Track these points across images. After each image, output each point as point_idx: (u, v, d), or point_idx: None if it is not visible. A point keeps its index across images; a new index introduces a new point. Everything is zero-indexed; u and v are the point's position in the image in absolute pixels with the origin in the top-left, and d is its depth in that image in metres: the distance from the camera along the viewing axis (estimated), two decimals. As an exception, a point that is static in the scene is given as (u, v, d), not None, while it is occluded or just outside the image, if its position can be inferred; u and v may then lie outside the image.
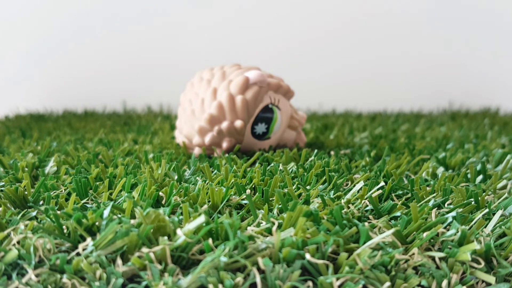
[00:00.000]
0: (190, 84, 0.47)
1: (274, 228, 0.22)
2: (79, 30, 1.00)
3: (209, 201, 0.28)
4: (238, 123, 0.42)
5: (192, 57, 1.01)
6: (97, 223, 0.23)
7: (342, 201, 0.28)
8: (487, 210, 0.27)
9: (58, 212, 0.25)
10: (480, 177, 0.35)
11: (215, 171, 0.37)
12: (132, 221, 0.23)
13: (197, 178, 0.34)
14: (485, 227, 0.24)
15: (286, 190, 0.29)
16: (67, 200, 0.29)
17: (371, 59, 1.04)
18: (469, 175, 0.36)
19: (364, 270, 0.19)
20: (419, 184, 0.32)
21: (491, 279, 0.20)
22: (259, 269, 0.20)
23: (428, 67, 1.04)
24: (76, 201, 0.28)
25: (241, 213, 0.27)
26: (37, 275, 0.19)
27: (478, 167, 0.36)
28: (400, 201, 0.29)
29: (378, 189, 0.29)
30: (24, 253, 0.20)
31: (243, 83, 0.42)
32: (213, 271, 0.19)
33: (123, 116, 0.85)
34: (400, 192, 0.31)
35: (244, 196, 0.29)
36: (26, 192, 0.30)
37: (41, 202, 0.29)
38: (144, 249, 0.20)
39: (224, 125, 0.42)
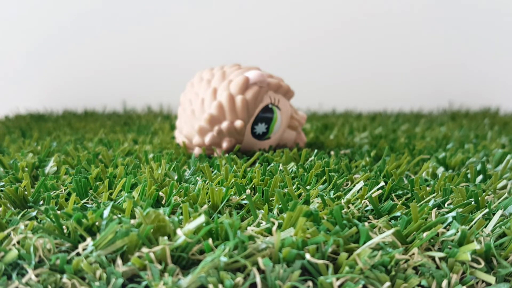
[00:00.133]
0: (190, 84, 0.47)
1: (274, 228, 0.22)
2: (79, 30, 1.00)
3: (209, 201, 0.28)
4: (238, 123, 0.42)
5: (192, 57, 1.01)
6: (97, 223, 0.23)
7: (342, 201, 0.28)
8: (487, 210, 0.27)
9: (58, 212, 0.25)
10: (480, 177, 0.35)
11: (215, 171, 0.37)
12: (132, 221, 0.23)
13: (197, 178, 0.34)
14: (485, 227, 0.24)
15: (286, 190, 0.29)
16: (67, 200, 0.29)
17: (371, 59, 1.04)
18: (469, 175, 0.36)
19: (364, 270, 0.19)
20: (419, 184, 0.32)
21: (491, 279, 0.20)
22: (259, 269, 0.20)
23: (428, 67, 1.04)
24: (76, 201, 0.28)
25: (241, 213, 0.27)
26: (37, 275, 0.19)
27: (478, 167, 0.36)
28: (400, 201, 0.29)
29: (378, 189, 0.29)
30: (24, 253, 0.20)
31: (243, 83, 0.42)
32: (213, 271, 0.19)
33: (123, 116, 0.85)
34: (400, 192, 0.31)
35: (244, 196, 0.29)
36: (26, 192, 0.30)
37: (41, 202, 0.29)
38: (144, 249, 0.20)
39: (224, 125, 0.42)
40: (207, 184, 0.32)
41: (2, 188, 0.30)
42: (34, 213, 0.26)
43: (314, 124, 0.70)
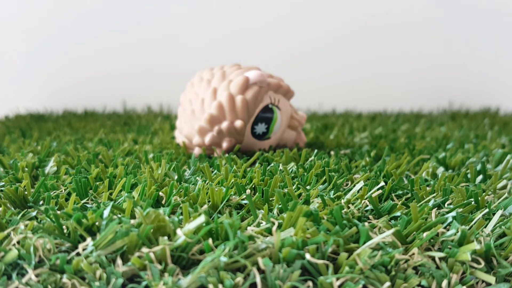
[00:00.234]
0: (190, 84, 0.47)
1: (274, 228, 0.22)
2: (79, 30, 1.00)
3: (209, 201, 0.28)
4: (238, 123, 0.42)
5: (192, 57, 1.01)
6: (97, 223, 0.23)
7: (342, 201, 0.28)
8: (487, 210, 0.27)
9: (58, 212, 0.25)
10: (480, 177, 0.35)
11: (215, 171, 0.37)
12: (132, 221, 0.23)
13: (197, 178, 0.34)
14: (485, 227, 0.24)
15: (286, 190, 0.29)
16: (67, 200, 0.29)
17: (371, 59, 1.04)
18: (469, 175, 0.36)
19: (364, 270, 0.19)
20: (419, 184, 0.32)
21: (491, 279, 0.20)
22: (259, 269, 0.20)
23: (428, 67, 1.04)
24: (76, 201, 0.28)
25: (241, 213, 0.27)
26: (37, 275, 0.19)
27: (478, 167, 0.36)
28: (400, 201, 0.29)
29: (378, 189, 0.29)
30: (24, 253, 0.20)
31: (243, 83, 0.42)
32: (213, 271, 0.19)
33: (123, 116, 0.85)
34: (400, 192, 0.31)
35: (244, 196, 0.29)
36: (26, 192, 0.30)
37: (41, 202, 0.29)
38: (144, 249, 0.20)
39: (224, 125, 0.42)
40: (207, 184, 0.32)
41: (2, 188, 0.30)
42: (34, 213, 0.26)
43: (314, 124, 0.70)
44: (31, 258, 0.20)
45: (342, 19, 1.02)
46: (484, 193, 0.29)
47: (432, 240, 0.23)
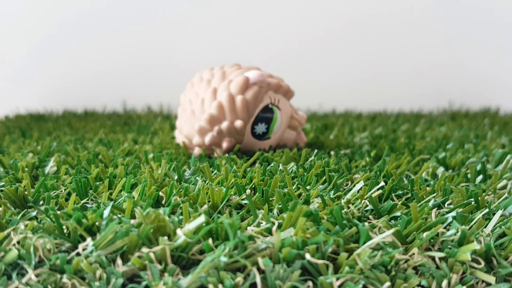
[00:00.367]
0: (190, 84, 0.47)
1: (274, 228, 0.22)
2: (79, 30, 1.00)
3: (209, 201, 0.28)
4: (238, 123, 0.42)
5: (192, 57, 1.01)
6: (97, 223, 0.23)
7: (342, 201, 0.28)
8: (487, 210, 0.27)
9: (58, 212, 0.25)
10: (480, 177, 0.35)
11: (215, 171, 0.37)
12: (132, 221, 0.23)
13: (197, 178, 0.34)
14: (485, 227, 0.24)
15: (286, 190, 0.29)
16: (67, 200, 0.29)
17: (371, 59, 1.04)
18: (469, 175, 0.36)
19: (364, 270, 0.19)
20: (419, 184, 0.32)
21: (491, 279, 0.20)
22: (259, 269, 0.20)
23: (428, 67, 1.04)
24: (76, 201, 0.28)
25: (241, 213, 0.27)
26: (37, 275, 0.19)
27: (478, 167, 0.36)
28: (400, 201, 0.29)
29: (378, 189, 0.29)
30: (24, 253, 0.20)
31: (243, 83, 0.42)
32: (213, 271, 0.19)
33: (123, 116, 0.85)
34: (400, 192, 0.31)
35: (244, 196, 0.29)
36: (26, 192, 0.30)
37: (41, 202, 0.29)
38: (144, 249, 0.20)
39: (224, 125, 0.42)
40: (207, 184, 0.32)
41: (2, 188, 0.30)
42: (34, 213, 0.26)
43: (314, 124, 0.70)
44: (31, 258, 0.20)
45: (342, 19, 1.02)
46: (484, 193, 0.29)
47: (432, 240, 0.23)
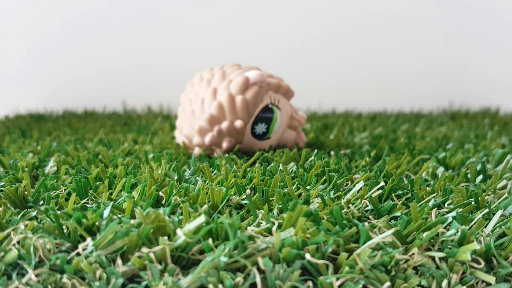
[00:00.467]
0: (190, 84, 0.47)
1: (274, 228, 0.22)
2: (79, 30, 1.00)
3: (209, 201, 0.28)
4: (238, 123, 0.42)
5: (192, 57, 1.01)
6: (97, 223, 0.23)
7: (342, 201, 0.28)
8: (487, 210, 0.27)
9: (58, 212, 0.25)
10: (480, 177, 0.35)
11: (215, 171, 0.37)
12: (132, 221, 0.23)
13: (197, 178, 0.34)
14: (485, 227, 0.24)
15: (286, 190, 0.29)
16: (67, 200, 0.29)
17: (371, 59, 1.04)
18: (469, 175, 0.36)
19: (364, 270, 0.19)
20: (419, 184, 0.32)
21: (491, 279, 0.20)
22: (259, 269, 0.20)
23: (428, 67, 1.04)
24: (76, 201, 0.28)
25: (241, 213, 0.27)
26: (37, 275, 0.19)
27: (478, 167, 0.36)
28: (400, 201, 0.29)
29: (378, 189, 0.29)
30: (24, 253, 0.20)
31: (243, 83, 0.42)
32: (213, 271, 0.19)
33: (123, 116, 0.85)
34: (400, 192, 0.31)
35: (244, 196, 0.29)
36: (26, 192, 0.30)
37: (41, 202, 0.29)
38: (144, 249, 0.20)
39: (224, 125, 0.42)
40: (207, 184, 0.32)
41: (2, 188, 0.30)
42: (34, 213, 0.26)
43: (314, 124, 0.70)
44: (31, 258, 0.20)
45: (342, 19, 1.02)
46: (484, 193, 0.29)
47: (432, 240, 0.23)
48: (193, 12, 1.00)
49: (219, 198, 0.28)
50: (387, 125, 0.71)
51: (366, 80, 1.04)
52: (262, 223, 0.25)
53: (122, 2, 0.99)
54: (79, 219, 0.22)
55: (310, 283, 0.19)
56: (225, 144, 0.43)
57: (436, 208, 0.28)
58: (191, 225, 0.21)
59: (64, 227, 0.23)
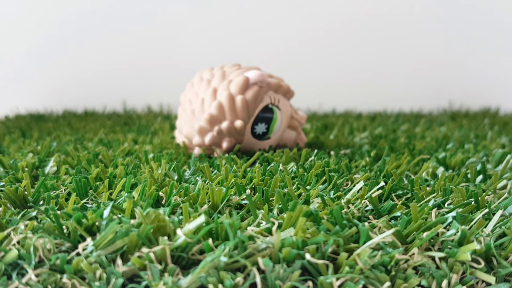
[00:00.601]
0: (190, 84, 0.47)
1: (274, 228, 0.22)
2: (79, 30, 1.00)
3: (209, 201, 0.28)
4: (238, 123, 0.42)
5: (192, 57, 1.01)
6: (97, 223, 0.23)
7: (342, 201, 0.28)
8: (487, 210, 0.27)
9: (58, 212, 0.25)
10: (480, 177, 0.35)
11: (215, 171, 0.37)
12: (132, 221, 0.23)
13: (197, 178, 0.34)
14: (485, 227, 0.24)
15: (286, 190, 0.29)
16: (67, 200, 0.29)
17: (371, 59, 1.04)
18: (469, 175, 0.36)
19: (364, 270, 0.19)
20: (419, 184, 0.32)
21: (491, 279, 0.20)
22: (259, 269, 0.20)
23: (428, 67, 1.04)
24: (76, 201, 0.28)
25: (241, 213, 0.27)
26: (37, 275, 0.19)
27: (478, 167, 0.36)
28: (400, 201, 0.29)
29: (378, 189, 0.29)
30: (24, 253, 0.20)
31: (243, 83, 0.42)
32: (213, 271, 0.19)
33: (123, 116, 0.85)
34: (400, 192, 0.31)
35: (244, 196, 0.29)
36: (26, 192, 0.30)
37: (41, 202, 0.29)
38: (144, 249, 0.20)
39: (224, 125, 0.42)
40: (207, 184, 0.32)
41: (2, 188, 0.30)
42: (34, 213, 0.26)
43: (314, 124, 0.70)
44: (31, 258, 0.20)
45: (342, 19, 1.02)
46: (484, 193, 0.29)
47: (432, 240, 0.23)
48: (193, 12, 1.00)
49: (219, 198, 0.28)
50: (387, 125, 0.71)
51: (366, 80, 1.04)
52: (262, 223, 0.25)
53: (122, 2, 0.99)
54: (79, 219, 0.22)
55: (310, 283, 0.19)
56: (225, 144, 0.43)
57: (436, 208, 0.28)
58: (191, 225, 0.21)
59: (64, 227, 0.23)
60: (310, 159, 0.41)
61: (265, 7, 1.01)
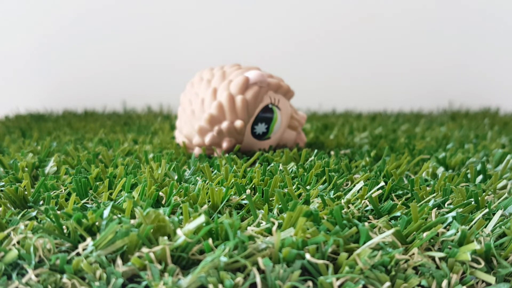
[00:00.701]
0: (190, 84, 0.47)
1: (274, 228, 0.22)
2: (79, 30, 1.00)
3: (209, 201, 0.28)
4: (238, 123, 0.42)
5: (192, 57, 1.01)
6: (97, 223, 0.23)
7: (342, 201, 0.28)
8: (487, 210, 0.27)
9: (58, 212, 0.25)
10: (480, 177, 0.35)
11: (215, 171, 0.37)
12: (132, 221, 0.23)
13: (197, 178, 0.34)
14: (485, 227, 0.24)
15: (286, 190, 0.29)
16: (67, 200, 0.29)
17: (371, 59, 1.04)
18: (469, 175, 0.36)
19: (364, 270, 0.19)
20: (419, 184, 0.32)
21: (491, 279, 0.20)
22: (259, 269, 0.20)
23: (428, 67, 1.04)
24: (76, 201, 0.28)
25: (241, 213, 0.27)
26: (37, 275, 0.19)
27: (478, 167, 0.36)
28: (400, 201, 0.29)
29: (378, 189, 0.29)
30: (24, 253, 0.20)
31: (243, 83, 0.42)
32: (213, 271, 0.19)
33: (123, 116, 0.85)
34: (400, 192, 0.31)
35: (244, 196, 0.29)
36: (26, 192, 0.30)
37: (41, 202, 0.29)
38: (144, 249, 0.20)
39: (224, 125, 0.42)
40: (207, 184, 0.32)
41: (2, 188, 0.30)
42: (34, 213, 0.26)
43: (314, 124, 0.70)
44: (31, 258, 0.20)
45: (342, 19, 1.02)
46: (484, 193, 0.29)
47: (432, 240, 0.23)
48: (193, 12, 1.00)
49: (219, 198, 0.28)
50: (387, 125, 0.71)
51: (366, 80, 1.04)
52: (262, 223, 0.25)
53: (122, 2, 0.99)
54: (79, 219, 0.22)
55: (310, 283, 0.19)
56: (225, 144, 0.43)
57: (436, 208, 0.28)
58: (191, 225, 0.21)
59: (64, 227, 0.23)
60: (310, 159, 0.41)
61: (265, 7, 1.01)
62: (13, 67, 1.01)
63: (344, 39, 1.03)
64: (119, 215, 0.24)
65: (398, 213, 0.26)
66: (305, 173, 0.35)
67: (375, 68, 1.04)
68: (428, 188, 0.31)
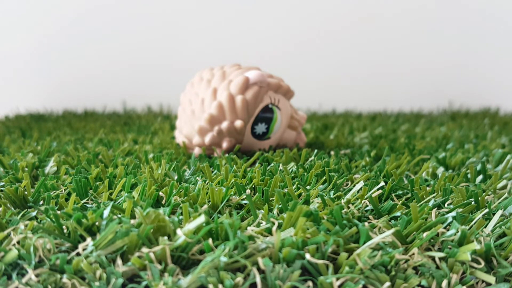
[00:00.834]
0: (190, 84, 0.47)
1: (274, 228, 0.22)
2: (79, 30, 1.00)
3: (209, 201, 0.28)
4: (238, 123, 0.42)
5: (192, 57, 1.01)
6: (97, 223, 0.23)
7: (342, 201, 0.28)
8: (487, 210, 0.27)
9: (58, 212, 0.25)
10: (480, 177, 0.35)
11: (215, 171, 0.37)
12: (132, 221, 0.23)
13: (197, 178, 0.34)
14: (485, 227, 0.24)
15: (286, 190, 0.29)
16: (67, 200, 0.29)
17: (371, 59, 1.04)
18: (469, 175, 0.36)
19: (364, 270, 0.19)
20: (419, 184, 0.32)
21: (491, 279, 0.20)
22: (259, 269, 0.20)
23: (428, 67, 1.04)
24: (76, 201, 0.28)
25: (241, 213, 0.27)
26: (37, 275, 0.19)
27: (478, 167, 0.36)
28: (400, 201, 0.29)
29: (378, 189, 0.29)
30: (24, 253, 0.20)
31: (243, 83, 0.42)
32: (213, 271, 0.19)
33: (123, 116, 0.85)
34: (400, 192, 0.31)
35: (244, 196, 0.29)
36: (26, 192, 0.30)
37: (41, 202, 0.29)
38: (144, 249, 0.20)
39: (224, 125, 0.42)
40: (207, 184, 0.32)
41: (2, 188, 0.30)
42: (34, 213, 0.26)
43: (314, 124, 0.70)
44: (31, 258, 0.20)
45: (342, 19, 1.02)
46: (484, 193, 0.29)
47: (432, 240, 0.23)
48: (193, 12, 1.00)
49: (219, 198, 0.28)
50: (387, 125, 0.71)
51: (366, 80, 1.04)
52: (262, 223, 0.25)
53: (122, 2, 0.99)
54: (79, 219, 0.22)
55: (310, 283, 0.19)
56: (225, 144, 0.43)
57: (436, 208, 0.28)
58: (191, 225, 0.21)
59: (64, 227, 0.23)
60: (310, 159, 0.41)
61: (265, 7, 1.01)
62: (13, 67, 1.01)
63: (344, 39, 1.03)
64: (119, 215, 0.24)
65: (398, 213, 0.26)
66: (305, 173, 0.35)
67: (375, 68, 1.04)
68: (428, 188, 0.31)
